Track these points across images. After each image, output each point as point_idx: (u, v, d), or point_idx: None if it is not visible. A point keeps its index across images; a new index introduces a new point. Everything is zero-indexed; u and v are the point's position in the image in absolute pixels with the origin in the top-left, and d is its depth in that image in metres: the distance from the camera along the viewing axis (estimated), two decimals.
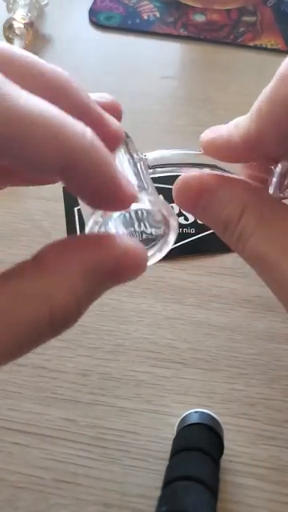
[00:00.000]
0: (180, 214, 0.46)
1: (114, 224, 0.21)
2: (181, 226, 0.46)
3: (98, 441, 0.35)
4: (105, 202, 0.16)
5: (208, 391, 0.37)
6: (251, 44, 0.66)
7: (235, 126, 0.19)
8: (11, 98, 0.13)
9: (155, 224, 0.20)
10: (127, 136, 0.20)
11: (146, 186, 0.19)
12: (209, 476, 0.30)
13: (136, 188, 0.17)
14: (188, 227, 0.46)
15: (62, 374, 0.38)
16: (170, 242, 0.20)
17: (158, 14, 0.69)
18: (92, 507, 0.33)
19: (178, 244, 0.45)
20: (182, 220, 0.46)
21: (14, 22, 0.61)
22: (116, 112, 0.19)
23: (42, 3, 0.67)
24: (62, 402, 0.37)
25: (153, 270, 0.43)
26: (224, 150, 0.19)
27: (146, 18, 0.69)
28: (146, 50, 0.66)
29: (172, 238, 0.20)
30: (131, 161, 0.19)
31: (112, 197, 0.16)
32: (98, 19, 0.68)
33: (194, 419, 0.34)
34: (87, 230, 0.18)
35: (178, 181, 0.20)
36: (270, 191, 0.20)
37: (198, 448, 0.31)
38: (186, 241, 0.45)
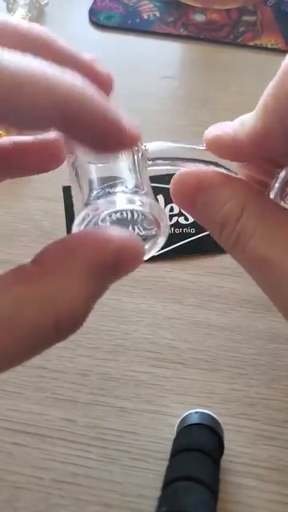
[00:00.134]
0: (180, 214, 0.46)
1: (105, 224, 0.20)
2: (181, 225, 0.46)
3: (97, 441, 0.35)
4: (108, 144, 0.16)
5: (208, 391, 0.37)
6: (251, 44, 0.65)
7: (240, 124, 0.18)
8: None
9: (147, 226, 0.20)
10: None
11: (140, 185, 0.18)
12: (209, 476, 0.30)
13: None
14: (188, 227, 0.46)
15: (61, 374, 0.38)
16: (160, 244, 0.20)
17: (157, 14, 0.69)
18: (92, 507, 0.33)
19: (178, 244, 0.45)
20: (182, 220, 0.46)
21: None
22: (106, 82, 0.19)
23: (42, 3, 0.67)
24: (61, 402, 0.37)
25: (153, 270, 0.43)
26: (229, 148, 0.18)
27: (145, 17, 0.69)
28: (145, 50, 0.66)
29: (162, 240, 0.20)
30: (130, 156, 0.19)
31: (114, 136, 0.16)
32: (97, 19, 0.68)
33: (194, 419, 0.34)
34: (75, 224, 0.17)
35: (174, 177, 0.19)
36: (271, 196, 0.19)
37: (198, 448, 0.31)
38: (186, 241, 0.45)
